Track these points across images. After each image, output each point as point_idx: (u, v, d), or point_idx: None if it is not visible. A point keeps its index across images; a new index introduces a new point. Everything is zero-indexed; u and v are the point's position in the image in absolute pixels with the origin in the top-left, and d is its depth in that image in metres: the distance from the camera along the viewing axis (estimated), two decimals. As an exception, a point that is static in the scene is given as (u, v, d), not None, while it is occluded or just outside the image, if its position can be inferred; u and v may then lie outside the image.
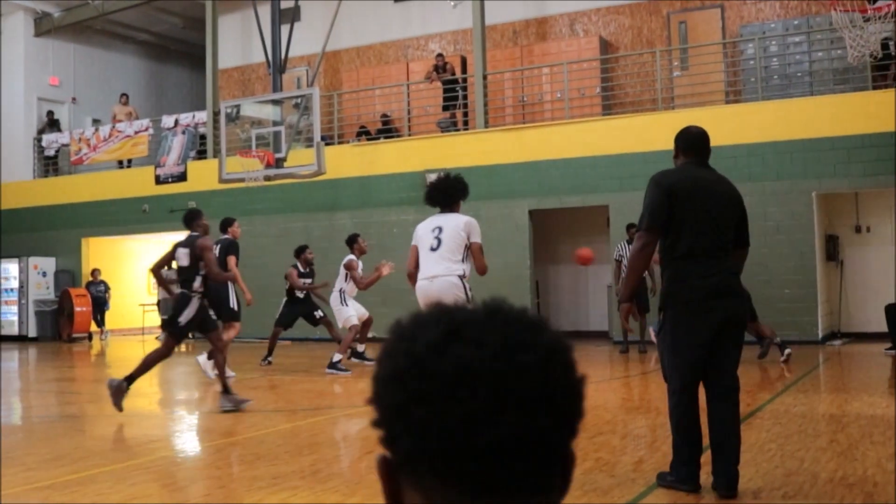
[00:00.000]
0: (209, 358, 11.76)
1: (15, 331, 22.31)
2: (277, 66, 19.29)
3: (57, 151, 23.80)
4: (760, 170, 15.30)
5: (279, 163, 15.98)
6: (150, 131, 21.97)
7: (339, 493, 5.42)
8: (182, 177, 20.98)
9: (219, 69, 21.77)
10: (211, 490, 5.86)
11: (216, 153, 18.83)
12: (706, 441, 5.17)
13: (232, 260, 12.00)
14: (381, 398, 0.91)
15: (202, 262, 9.00)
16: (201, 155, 21.18)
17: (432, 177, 17.66)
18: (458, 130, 18.82)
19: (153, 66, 27.29)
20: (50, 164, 24.19)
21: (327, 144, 17.19)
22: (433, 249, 7.51)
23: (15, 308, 22.49)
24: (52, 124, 24.39)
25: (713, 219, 5.15)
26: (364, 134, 19.85)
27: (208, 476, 6.36)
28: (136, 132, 22.10)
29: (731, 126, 15.20)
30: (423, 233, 7.65)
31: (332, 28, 18.43)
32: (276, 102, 17.42)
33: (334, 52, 21.38)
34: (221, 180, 16.74)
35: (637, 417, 8.64)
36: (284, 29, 19.31)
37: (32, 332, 22.20)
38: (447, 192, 7.84)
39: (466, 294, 7.48)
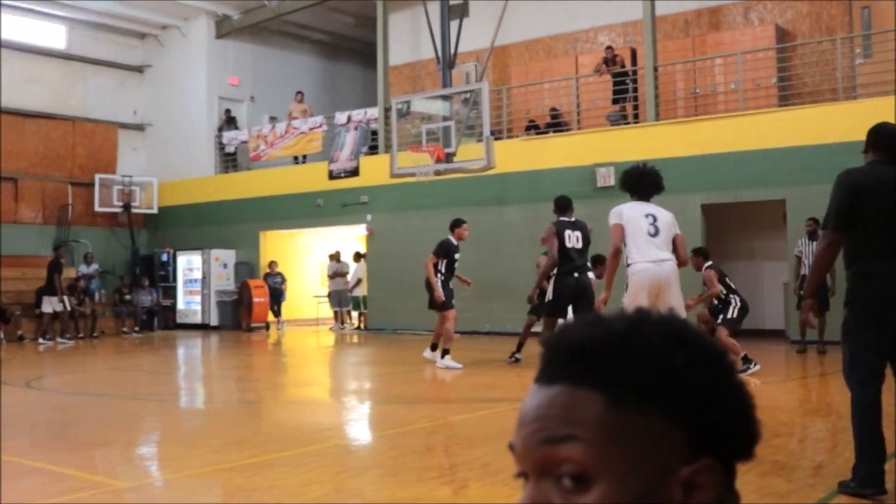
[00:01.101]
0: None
1: (198, 319, 23.31)
2: (447, 61, 19.46)
3: (236, 148, 24.72)
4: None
5: (449, 157, 16.12)
6: (324, 128, 22.54)
7: (509, 486, 5.37)
8: (354, 172, 21.43)
9: (389, 66, 22.12)
10: (382, 478, 5.96)
11: (387, 148, 19.15)
12: (891, 448, 4.95)
13: (430, 258, 12.68)
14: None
15: None
16: (373, 150, 21.58)
17: (602, 171, 17.51)
18: (627, 124, 18.54)
19: (327, 64, 28.00)
20: (229, 161, 25.15)
21: (496, 139, 17.23)
22: (653, 235, 7.54)
23: (198, 298, 23.50)
24: (231, 122, 25.35)
25: None
26: (533, 128, 19.80)
27: (379, 465, 6.48)
28: (311, 129, 22.71)
29: (919, 116, 14.44)
30: (637, 217, 7.64)
31: (500, 23, 18.46)
32: (445, 98, 17.57)
33: (503, 47, 21.40)
34: (393, 175, 17.02)
35: (816, 420, 8.33)
36: (453, 25, 19.47)
37: (214, 322, 23.13)
38: (652, 182, 7.88)
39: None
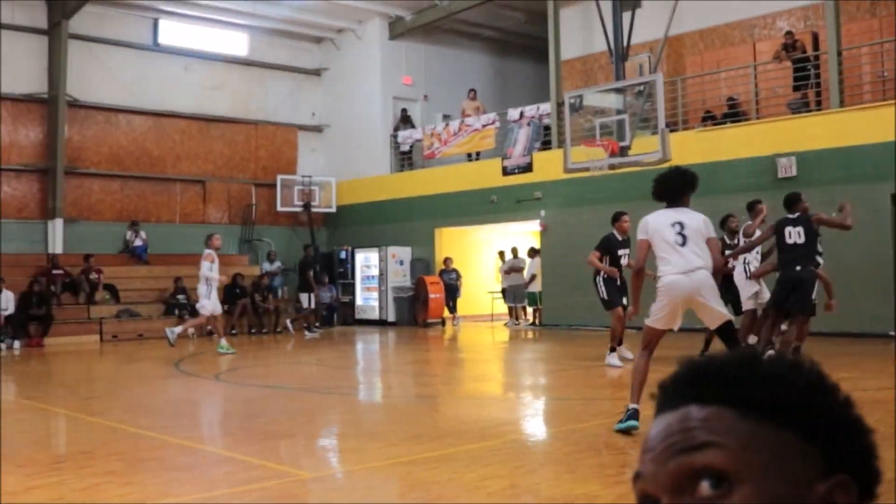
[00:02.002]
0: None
1: (376, 315, 23.81)
2: (619, 54, 19.22)
3: (411, 147, 25.11)
4: None
5: (623, 151, 15.93)
6: (497, 124, 22.62)
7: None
8: (528, 168, 21.44)
9: (561, 60, 22.00)
10: (559, 475, 5.94)
11: (561, 143, 19.07)
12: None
13: (592, 254, 12.37)
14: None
15: None
16: (546, 146, 21.53)
17: (783, 161, 16.93)
18: (809, 111, 17.85)
19: (498, 61, 28.10)
20: (405, 159, 25.56)
21: (672, 131, 16.89)
22: (681, 245, 7.18)
23: (376, 294, 24.01)
24: (406, 121, 25.77)
25: None
26: (709, 119, 19.32)
27: (556, 461, 6.46)
28: (484, 126, 22.85)
29: None
30: (663, 227, 7.28)
31: (673, 12, 18.09)
32: (618, 90, 17.38)
33: (677, 37, 20.96)
34: (567, 170, 16.94)
35: None
36: (625, 16, 19.20)
37: (391, 318, 23.57)
38: (677, 186, 7.47)
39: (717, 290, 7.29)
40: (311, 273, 21.05)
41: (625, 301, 12.16)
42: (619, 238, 12.34)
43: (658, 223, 7.31)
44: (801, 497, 0.91)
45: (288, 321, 21.54)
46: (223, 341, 15.70)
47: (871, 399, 8.77)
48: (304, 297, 20.92)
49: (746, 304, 11.76)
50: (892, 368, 10.33)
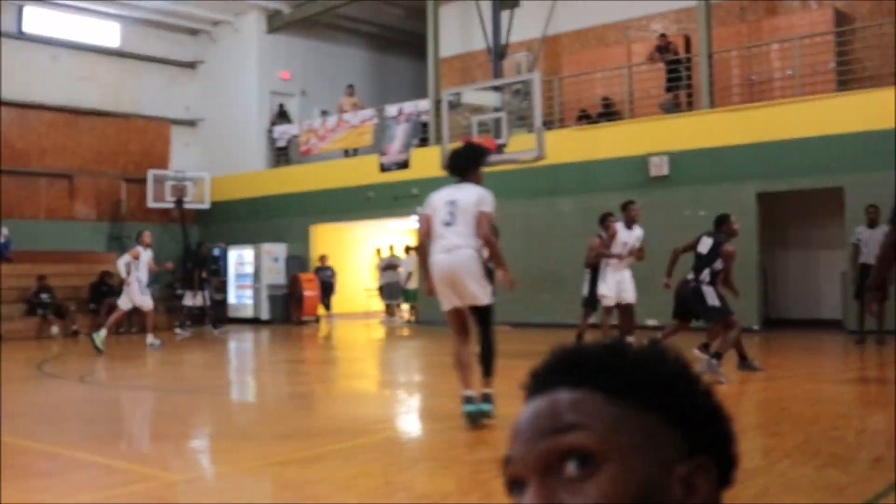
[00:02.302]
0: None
1: (250, 313, 23.44)
2: (497, 52, 19.35)
3: (287, 142, 24.80)
4: None
5: (500, 149, 15.99)
6: (375, 121, 22.52)
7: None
8: (405, 164, 21.40)
9: (440, 58, 22.03)
10: (433, 471, 5.90)
11: (438, 140, 19.08)
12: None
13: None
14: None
15: None
16: (424, 142, 21.54)
17: (655, 160, 17.29)
18: (681, 112, 18.30)
19: (377, 57, 28.01)
20: (281, 155, 25.24)
21: (548, 129, 17.07)
22: (448, 224, 7.20)
23: (250, 292, 23.64)
24: (283, 116, 25.46)
25: None
26: (585, 118, 19.62)
27: (430, 458, 6.41)
28: (362, 122, 22.72)
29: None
30: (438, 205, 7.31)
31: (551, 12, 18.30)
32: (496, 89, 17.47)
33: (554, 37, 21.23)
34: (444, 167, 16.93)
35: (874, 412, 8.10)
36: (504, 15, 19.34)
37: (265, 315, 23.24)
38: (461, 160, 7.57)
39: (482, 267, 7.24)
40: (203, 271, 20.65)
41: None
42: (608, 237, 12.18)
43: (435, 201, 7.34)
44: (664, 477, 0.93)
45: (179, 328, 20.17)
46: (104, 332, 15.28)
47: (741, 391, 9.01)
48: (190, 294, 20.51)
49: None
50: (755, 359, 10.59)
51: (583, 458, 0.91)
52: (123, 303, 15.84)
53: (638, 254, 12.02)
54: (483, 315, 7.27)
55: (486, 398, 7.20)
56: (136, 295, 15.70)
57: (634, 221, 12.05)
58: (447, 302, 7.22)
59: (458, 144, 7.69)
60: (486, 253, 7.40)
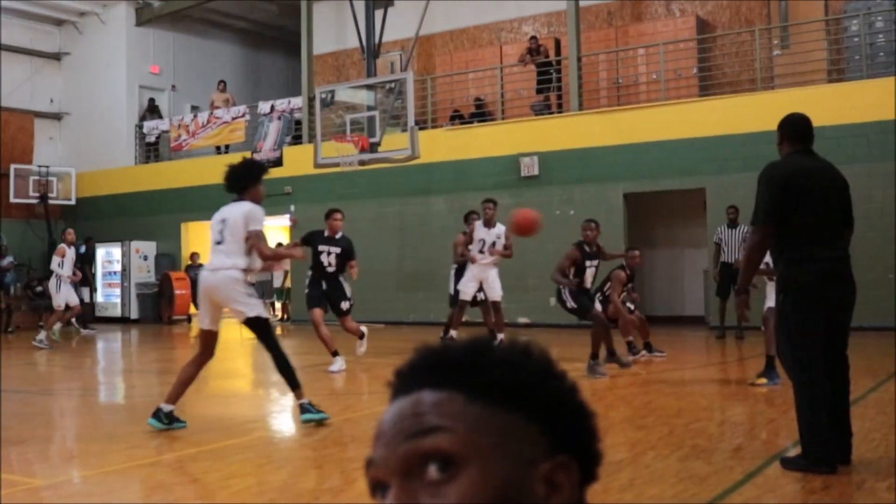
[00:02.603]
0: None
1: (118, 312, 22.91)
2: (371, 51, 19.37)
3: (157, 138, 24.33)
4: (865, 151, 14.81)
5: (373, 147, 16.06)
6: (247, 117, 22.29)
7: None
8: (278, 162, 21.23)
9: (314, 55, 21.94)
10: (306, 470, 5.93)
11: (311, 138, 19.01)
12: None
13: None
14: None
15: None
16: (297, 140, 21.42)
17: (526, 161, 17.60)
18: (552, 113, 18.67)
19: (250, 53, 27.69)
20: (151, 151, 24.74)
21: (421, 129, 17.21)
22: (218, 243, 7.25)
23: (118, 291, 23.10)
24: (153, 111, 24.94)
25: (827, 207, 5.31)
26: (458, 118, 19.83)
27: (303, 457, 6.44)
28: (234, 118, 22.45)
29: (833, 106, 14.73)
30: (213, 224, 7.34)
31: (425, 12, 18.41)
32: (370, 87, 17.50)
33: (428, 37, 21.39)
34: (317, 165, 16.90)
35: (734, 404, 8.46)
36: (378, 14, 19.38)
37: (134, 314, 22.74)
38: (237, 177, 7.33)
39: (244, 289, 7.20)
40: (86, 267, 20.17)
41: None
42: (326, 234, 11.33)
43: (213, 219, 7.36)
44: (526, 477, 0.94)
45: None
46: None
47: (612, 385, 9.27)
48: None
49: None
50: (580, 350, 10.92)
51: (444, 461, 0.92)
52: (62, 301, 16.31)
53: (504, 252, 12.18)
54: (258, 329, 7.28)
55: (304, 409, 7.24)
56: (71, 293, 16.46)
57: (490, 221, 12.22)
58: (202, 320, 7.39)
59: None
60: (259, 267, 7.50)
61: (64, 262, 16.15)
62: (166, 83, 25.69)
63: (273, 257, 7.61)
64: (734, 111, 15.92)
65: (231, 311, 7.24)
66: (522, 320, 16.89)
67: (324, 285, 11.11)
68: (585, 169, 17.12)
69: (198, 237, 23.47)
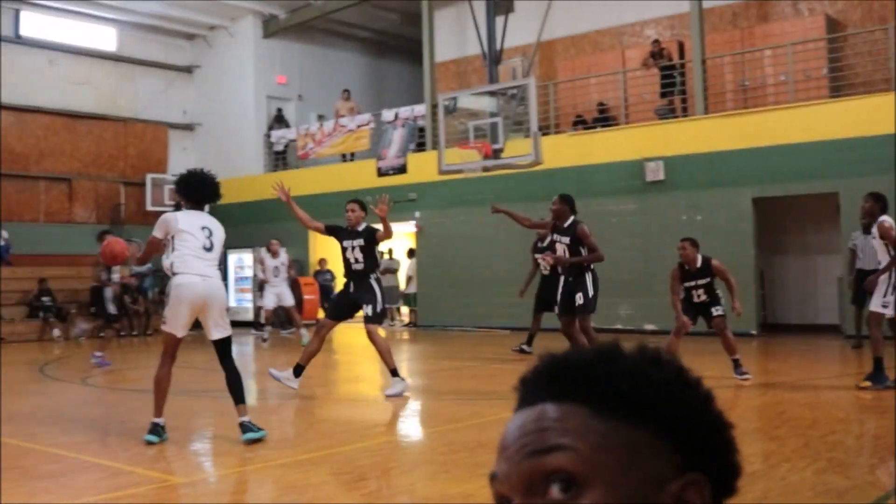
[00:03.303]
0: None
1: (249, 317, 23.49)
2: (493, 57, 19.44)
3: (285, 147, 24.88)
4: None
5: (497, 153, 16.10)
6: (372, 125, 22.61)
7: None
8: (402, 169, 21.49)
9: (436, 63, 22.13)
10: (434, 475, 5.98)
11: (435, 145, 19.17)
12: None
13: None
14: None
15: None
16: (420, 147, 21.63)
17: (651, 165, 17.40)
18: (676, 117, 18.41)
19: (373, 61, 28.10)
20: (279, 159, 25.32)
21: (544, 134, 17.18)
22: (207, 249, 7.30)
23: (249, 296, 23.69)
24: (280, 121, 25.53)
25: None
26: (580, 123, 19.73)
27: (431, 461, 6.50)
28: (359, 126, 22.80)
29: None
30: (194, 228, 7.28)
31: (546, 18, 18.39)
32: (492, 94, 17.56)
33: (549, 42, 21.33)
34: (441, 172, 17.03)
35: (873, 416, 8.20)
36: (499, 21, 19.44)
37: (264, 319, 23.25)
38: (211, 189, 7.55)
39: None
40: None
41: None
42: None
43: (189, 224, 7.31)
44: (653, 497, 0.90)
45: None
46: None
47: (735, 396, 9.10)
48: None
49: None
50: (755, 365, 10.70)
51: (566, 481, 0.89)
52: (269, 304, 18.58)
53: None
54: (227, 348, 7.56)
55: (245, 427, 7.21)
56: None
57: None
58: (180, 328, 7.30)
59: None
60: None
61: (267, 268, 17.88)
62: (293, 93, 26.28)
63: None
64: (868, 112, 15.41)
65: (209, 319, 7.30)
66: (649, 327, 16.70)
67: (351, 287, 10.27)
68: (712, 173, 16.81)
69: (325, 243, 23.85)
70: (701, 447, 0.95)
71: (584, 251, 10.56)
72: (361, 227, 10.21)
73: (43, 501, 5.44)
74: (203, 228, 7.30)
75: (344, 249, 10.22)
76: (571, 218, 10.82)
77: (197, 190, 7.46)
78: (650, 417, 0.93)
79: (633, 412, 0.93)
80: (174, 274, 7.17)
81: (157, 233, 7.30)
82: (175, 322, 7.17)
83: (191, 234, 7.20)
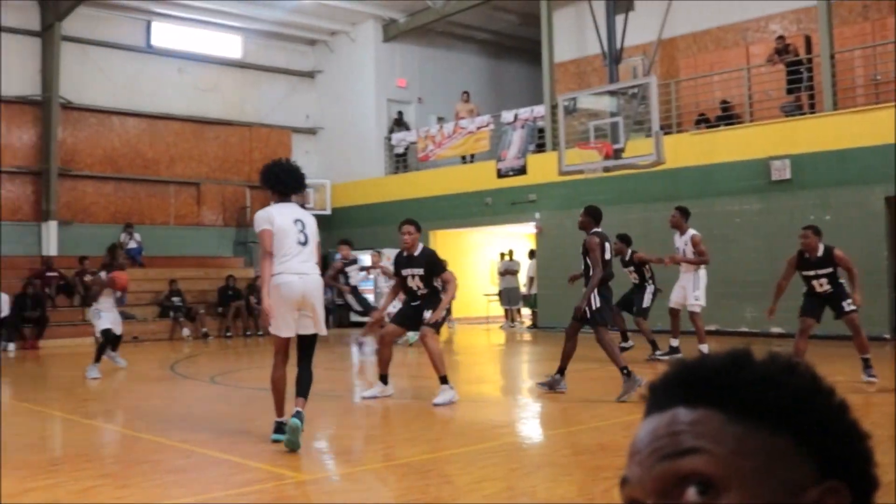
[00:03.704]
0: None
1: (370, 318, 23.75)
2: (613, 56, 19.26)
3: (405, 149, 25.14)
4: None
5: (618, 153, 15.94)
6: (491, 127, 22.66)
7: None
8: (522, 170, 21.47)
9: (555, 63, 22.03)
10: (556, 477, 5.96)
11: (555, 146, 19.09)
12: None
13: None
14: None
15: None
16: (540, 148, 21.56)
17: (777, 164, 16.98)
18: (803, 114, 17.90)
19: (492, 63, 28.15)
20: (399, 162, 25.58)
21: (666, 133, 16.93)
22: (302, 244, 7.05)
23: (371, 297, 23.97)
24: (400, 123, 25.81)
25: None
26: (703, 121, 19.38)
27: (553, 463, 6.47)
28: (478, 128, 22.88)
29: None
30: (286, 222, 7.05)
31: (667, 15, 18.13)
32: (612, 93, 17.40)
33: (670, 40, 21.00)
34: (561, 172, 16.95)
35: None
36: (619, 19, 19.24)
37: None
38: (296, 179, 7.30)
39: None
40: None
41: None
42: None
43: (282, 217, 7.07)
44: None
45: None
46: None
47: (867, 402, 8.82)
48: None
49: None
50: (888, 371, 10.36)
51: (703, 484, 0.88)
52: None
53: (691, 259, 12.76)
54: (311, 346, 7.43)
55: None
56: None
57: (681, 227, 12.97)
58: (284, 328, 7.15)
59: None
60: None
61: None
62: (413, 96, 26.53)
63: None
64: None
65: (310, 317, 7.14)
66: (775, 330, 16.29)
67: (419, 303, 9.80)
68: (842, 171, 16.29)
69: (446, 245, 24.04)
70: (838, 456, 0.93)
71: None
72: (418, 252, 9.73)
73: (174, 495, 5.62)
74: (296, 221, 7.14)
75: (404, 279, 9.71)
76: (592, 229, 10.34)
77: (281, 180, 7.24)
78: (786, 424, 0.92)
79: (769, 418, 0.92)
80: (273, 273, 6.99)
81: (266, 226, 7.04)
82: (277, 324, 7.07)
83: (284, 229, 7.02)
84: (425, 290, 9.60)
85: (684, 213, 13.12)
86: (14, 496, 5.46)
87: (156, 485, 5.92)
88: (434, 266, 9.59)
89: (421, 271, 9.56)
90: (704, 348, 11.95)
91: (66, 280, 20.80)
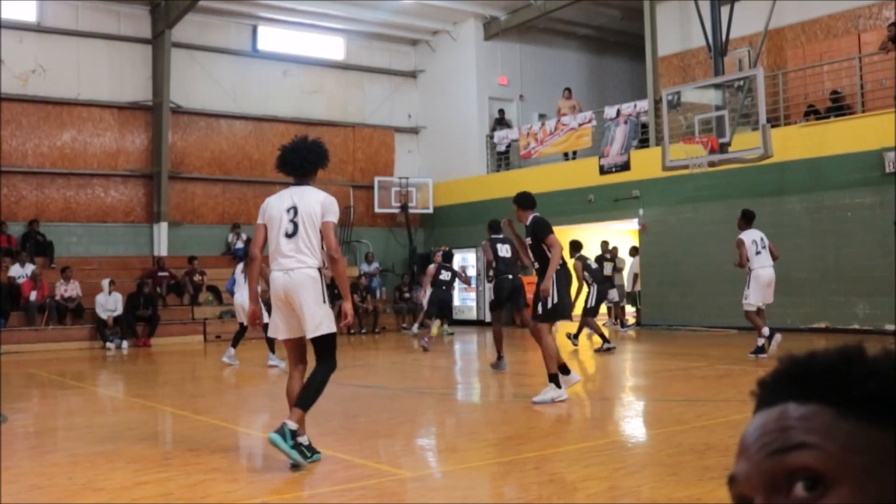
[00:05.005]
0: None
1: (473, 316, 23.83)
2: (718, 48, 18.91)
3: (507, 147, 25.11)
4: None
5: (723, 148, 15.66)
6: (594, 123, 22.48)
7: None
8: (625, 166, 21.24)
9: (658, 57, 21.74)
10: (661, 477, 5.87)
11: (658, 141, 18.84)
12: None
13: None
14: None
15: None
16: (643, 143, 21.31)
17: (890, 155, 16.44)
18: (919, 103, 17.30)
19: (593, 59, 27.93)
20: (501, 159, 25.57)
21: (773, 126, 16.55)
22: (289, 235, 6.32)
23: (473, 295, 24.04)
24: (502, 121, 25.79)
25: None
26: (812, 113, 18.87)
27: (657, 463, 6.38)
28: (580, 124, 22.71)
29: None
30: (276, 212, 6.39)
31: (774, 5, 17.71)
32: (717, 86, 17.10)
33: (777, 30, 20.51)
34: (665, 168, 16.73)
35: None
36: (724, 10, 18.88)
37: (488, 318, 23.55)
38: (304, 156, 6.51)
39: (324, 289, 6.40)
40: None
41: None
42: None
43: (274, 208, 6.44)
44: None
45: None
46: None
47: None
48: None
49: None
50: None
51: (812, 480, 0.87)
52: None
53: None
54: (326, 347, 6.50)
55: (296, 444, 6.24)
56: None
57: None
58: (279, 330, 6.52)
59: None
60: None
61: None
62: (514, 93, 26.49)
63: (339, 259, 6.50)
64: None
65: (300, 316, 6.37)
66: (889, 327, 15.79)
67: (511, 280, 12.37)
68: (960, 162, 15.71)
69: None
70: None
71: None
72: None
73: (281, 489, 5.72)
74: (288, 210, 6.42)
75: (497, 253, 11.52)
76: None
77: (287, 162, 6.61)
78: None
79: (881, 415, 0.89)
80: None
81: (258, 219, 6.58)
82: (271, 324, 6.67)
83: (274, 221, 6.45)
84: (537, 264, 9.45)
85: (744, 215, 13.23)
86: (128, 489, 5.64)
87: (263, 479, 6.06)
88: (539, 230, 9.54)
89: (529, 241, 9.58)
90: (760, 341, 12.76)
91: (177, 279, 21.35)
